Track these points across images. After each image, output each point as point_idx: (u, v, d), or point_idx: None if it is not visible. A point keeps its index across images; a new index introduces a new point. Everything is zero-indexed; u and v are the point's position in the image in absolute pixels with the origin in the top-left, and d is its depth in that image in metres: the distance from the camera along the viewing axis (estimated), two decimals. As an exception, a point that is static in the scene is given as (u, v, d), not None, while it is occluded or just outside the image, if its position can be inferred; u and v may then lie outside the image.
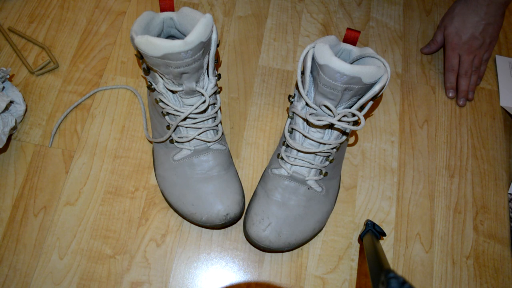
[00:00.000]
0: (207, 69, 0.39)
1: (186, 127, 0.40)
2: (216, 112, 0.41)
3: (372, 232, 0.39)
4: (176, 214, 0.44)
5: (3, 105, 0.41)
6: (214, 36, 0.36)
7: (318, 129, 0.39)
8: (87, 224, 0.43)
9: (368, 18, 0.57)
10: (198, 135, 0.40)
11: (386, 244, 0.45)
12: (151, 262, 0.42)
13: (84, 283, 0.41)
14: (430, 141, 0.50)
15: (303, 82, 0.38)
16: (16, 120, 0.44)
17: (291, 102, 0.41)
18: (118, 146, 0.47)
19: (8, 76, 0.45)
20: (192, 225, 0.44)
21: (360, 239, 0.44)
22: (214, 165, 0.41)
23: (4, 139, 0.42)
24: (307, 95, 0.38)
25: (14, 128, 0.45)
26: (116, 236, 0.43)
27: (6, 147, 0.46)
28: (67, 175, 0.45)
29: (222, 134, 0.43)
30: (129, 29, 0.53)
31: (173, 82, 0.37)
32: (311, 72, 0.37)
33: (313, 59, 0.36)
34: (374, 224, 0.41)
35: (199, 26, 0.33)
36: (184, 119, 0.39)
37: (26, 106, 0.47)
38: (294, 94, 0.41)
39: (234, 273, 0.42)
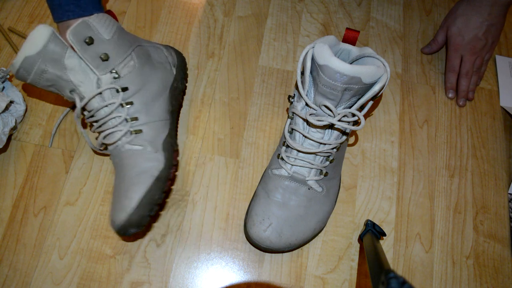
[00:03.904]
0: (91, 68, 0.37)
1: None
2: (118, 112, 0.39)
3: (372, 232, 0.39)
4: (176, 214, 0.44)
5: (3, 105, 0.41)
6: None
7: (318, 129, 0.39)
8: (87, 224, 0.43)
9: (368, 18, 0.57)
10: (106, 136, 0.40)
11: (386, 244, 0.45)
12: (151, 262, 0.42)
13: (84, 283, 0.41)
14: (430, 141, 0.50)
15: (303, 82, 0.38)
16: (16, 120, 0.44)
17: (291, 103, 0.41)
18: (118, 146, 0.47)
19: (8, 76, 0.45)
20: (192, 225, 0.44)
21: (360, 239, 0.44)
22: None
23: (4, 139, 0.42)
24: (307, 95, 0.38)
25: (14, 128, 0.45)
26: (116, 236, 0.43)
27: (6, 147, 0.46)
28: (67, 175, 0.45)
29: (135, 132, 0.39)
30: (129, 29, 0.53)
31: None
32: (311, 72, 0.37)
33: (312, 59, 0.36)
34: (374, 224, 0.41)
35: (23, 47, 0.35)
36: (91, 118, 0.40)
37: (26, 106, 0.47)
38: (294, 94, 0.41)
39: (234, 273, 0.42)
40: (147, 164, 0.38)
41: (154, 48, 0.44)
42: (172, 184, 0.45)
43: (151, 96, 0.41)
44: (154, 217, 0.44)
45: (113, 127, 0.39)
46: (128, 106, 0.39)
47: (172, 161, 0.40)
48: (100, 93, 0.38)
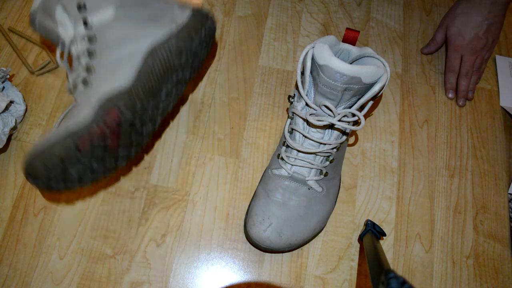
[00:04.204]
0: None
1: None
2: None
3: (372, 232, 0.39)
4: (176, 214, 0.44)
5: (3, 105, 0.41)
6: None
7: (318, 129, 0.39)
8: (87, 224, 0.43)
9: (368, 18, 0.57)
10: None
11: (386, 244, 0.45)
12: (151, 262, 0.42)
13: (84, 283, 0.41)
14: (430, 141, 0.50)
15: (303, 83, 0.38)
16: (16, 120, 0.44)
17: (291, 103, 0.41)
18: (118, 146, 0.47)
19: (8, 76, 0.45)
20: (192, 225, 0.44)
21: (360, 239, 0.44)
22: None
23: (4, 139, 0.42)
24: (307, 95, 0.38)
25: (14, 128, 0.45)
26: (116, 236, 0.43)
27: (6, 147, 0.46)
28: (67, 175, 0.45)
29: (82, 83, 0.37)
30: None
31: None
32: (311, 72, 0.37)
33: (312, 59, 0.36)
34: (374, 224, 0.41)
35: None
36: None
37: (26, 106, 0.47)
38: (294, 94, 0.41)
39: (234, 273, 0.42)
40: (73, 117, 0.35)
41: (159, 4, 0.40)
42: (101, 145, 0.35)
43: (120, 51, 0.37)
44: (154, 217, 0.44)
45: (73, 78, 0.38)
46: (90, 55, 0.37)
47: (101, 119, 0.34)
48: (74, 42, 0.38)
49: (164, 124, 0.48)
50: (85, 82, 0.37)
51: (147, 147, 0.47)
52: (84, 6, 0.37)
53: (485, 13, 0.49)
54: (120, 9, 0.38)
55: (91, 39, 0.37)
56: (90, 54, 0.37)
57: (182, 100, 0.50)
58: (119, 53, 0.37)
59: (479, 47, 0.50)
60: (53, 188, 0.35)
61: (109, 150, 0.36)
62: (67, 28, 0.38)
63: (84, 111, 0.35)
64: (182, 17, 0.39)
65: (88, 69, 0.37)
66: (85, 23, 0.37)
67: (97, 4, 0.38)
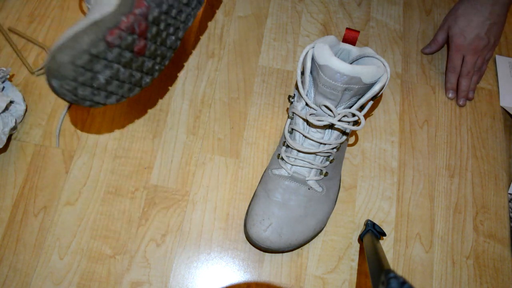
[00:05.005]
0: None
1: None
2: None
3: (372, 232, 0.39)
4: (176, 214, 0.44)
5: (3, 105, 0.41)
6: None
7: (318, 129, 0.39)
8: (87, 224, 0.43)
9: (368, 18, 0.57)
10: None
11: (386, 244, 0.45)
12: (151, 262, 0.42)
13: (84, 283, 0.41)
14: (430, 141, 0.50)
15: (303, 83, 0.38)
16: (16, 120, 0.44)
17: (291, 103, 0.41)
18: (118, 146, 0.47)
19: (8, 76, 0.45)
20: (192, 225, 0.44)
21: (360, 239, 0.44)
22: None
23: (4, 139, 0.42)
24: (307, 95, 0.38)
25: (14, 128, 0.45)
26: (116, 236, 0.43)
27: (6, 147, 0.46)
28: (67, 175, 0.45)
29: None
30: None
31: None
32: (311, 72, 0.37)
33: (312, 59, 0.36)
34: (374, 224, 0.41)
35: None
36: None
37: (26, 106, 0.47)
38: (294, 94, 0.41)
39: (234, 273, 0.42)
40: (98, 7, 0.32)
41: None
42: (127, 42, 0.34)
43: None
44: (154, 217, 0.44)
45: None
46: None
47: (129, 8, 0.33)
48: None
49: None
50: None
51: (147, 147, 0.47)
52: None
53: (487, 13, 0.49)
54: None
55: None
56: None
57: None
58: None
59: (481, 47, 0.50)
60: (78, 96, 0.32)
61: (136, 54, 0.35)
62: None
63: (108, 1, 0.32)
64: None
65: None
66: None
67: None
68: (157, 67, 0.40)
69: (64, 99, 0.32)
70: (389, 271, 0.25)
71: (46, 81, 0.31)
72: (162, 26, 0.37)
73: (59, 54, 0.30)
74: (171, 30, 0.39)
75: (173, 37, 0.40)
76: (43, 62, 0.31)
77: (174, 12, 0.38)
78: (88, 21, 0.31)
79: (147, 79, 0.39)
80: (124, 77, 0.35)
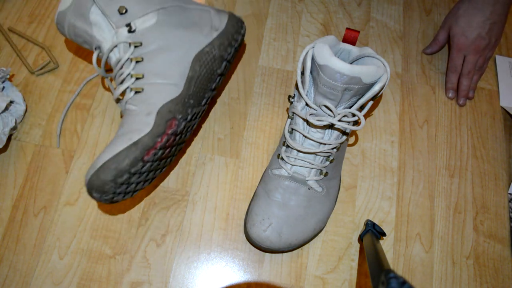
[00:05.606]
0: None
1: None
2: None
3: (372, 232, 0.39)
4: (176, 214, 0.44)
5: (3, 105, 0.41)
6: None
7: (318, 129, 0.39)
8: (87, 224, 0.43)
9: (368, 18, 0.57)
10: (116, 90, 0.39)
11: (386, 244, 0.45)
12: (151, 262, 0.42)
13: (84, 283, 0.41)
14: (430, 141, 0.50)
15: (303, 83, 0.38)
16: (16, 120, 0.44)
17: (291, 103, 0.41)
18: (118, 146, 0.47)
19: (8, 76, 0.45)
20: (192, 225, 0.44)
21: (360, 239, 0.44)
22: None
23: (4, 139, 0.42)
24: (307, 95, 0.38)
25: (14, 128, 0.45)
26: (116, 236, 0.43)
27: (6, 147, 0.46)
28: (67, 175, 0.45)
29: (135, 91, 0.37)
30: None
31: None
32: (311, 72, 0.37)
33: (312, 59, 0.36)
34: (374, 224, 0.41)
35: None
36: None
37: (26, 106, 0.47)
38: (294, 94, 0.41)
39: (234, 273, 0.42)
40: (133, 126, 0.35)
41: (197, 11, 0.40)
42: (158, 156, 0.37)
43: (168, 57, 0.37)
44: (154, 217, 0.44)
45: (120, 83, 0.38)
46: (137, 62, 0.37)
47: (163, 129, 0.35)
48: (116, 46, 0.37)
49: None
50: (135, 89, 0.37)
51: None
52: (126, 11, 0.36)
53: (487, 13, 0.49)
54: (162, 15, 0.38)
55: (136, 45, 0.37)
56: (137, 60, 0.37)
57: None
58: (166, 59, 0.37)
59: (482, 46, 0.50)
60: (114, 201, 0.36)
61: (163, 159, 0.38)
62: (103, 31, 0.37)
63: (142, 121, 0.35)
64: (220, 23, 0.41)
65: (138, 76, 0.37)
66: (129, 28, 0.37)
67: (140, 9, 0.37)
68: (171, 160, 0.41)
69: (101, 203, 0.36)
70: (389, 271, 0.25)
71: (87, 192, 0.35)
72: (183, 132, 0.39)
73: (102, 173, 0.33)
74: (190, 130, 0.41)
75: (189, 134, 0.42)
76: (86, 175, 0.35)
77: (195, 116, 0.40)
78: (127, 142, 0.34)
79: (161, 171, 0.41)
80: (149, 177, 0.38)
